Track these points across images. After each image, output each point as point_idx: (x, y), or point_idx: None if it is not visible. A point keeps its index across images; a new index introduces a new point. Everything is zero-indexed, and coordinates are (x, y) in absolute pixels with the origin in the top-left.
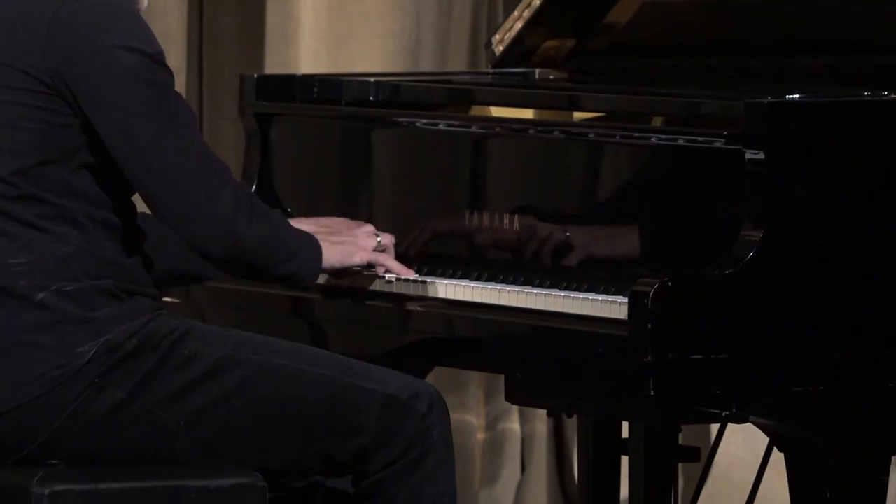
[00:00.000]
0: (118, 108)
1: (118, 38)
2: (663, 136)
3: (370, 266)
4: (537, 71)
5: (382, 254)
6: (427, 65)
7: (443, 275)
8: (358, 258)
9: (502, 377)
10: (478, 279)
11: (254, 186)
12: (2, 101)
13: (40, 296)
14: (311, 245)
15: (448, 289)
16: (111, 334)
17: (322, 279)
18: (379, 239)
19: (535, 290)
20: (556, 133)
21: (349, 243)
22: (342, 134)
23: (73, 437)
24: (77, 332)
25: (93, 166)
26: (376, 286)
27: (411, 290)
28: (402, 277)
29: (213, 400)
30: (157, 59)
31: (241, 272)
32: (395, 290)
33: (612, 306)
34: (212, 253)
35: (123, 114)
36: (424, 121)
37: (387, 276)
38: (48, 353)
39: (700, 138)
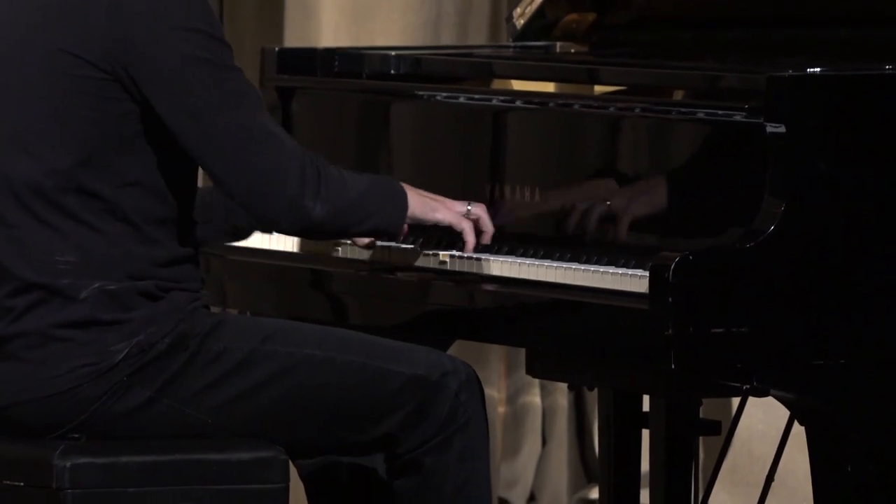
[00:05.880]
0: (182, 89)
1: (178, 19)
2: (684, 110)
3: (451, 228)
4: (558, 44)
5: (467, 220)
6: (448, 38)
7: (463, 248)
8: (441, 215)
9: (523, 351)
10: (497, 252)
11: None
12: (57, 89)
13: (83, 294)
14: (392, 199)
15: (468, 262)
16: (144, 335)
17: (364, 255)
18: (469, 207)
19: (555, 264)
20: (577, 107)
21: (438, 201)
22: (363, 107)
23: (97, 431)
24: (112, 332)
25: (151, 155)
26: (397, 259)
27: (431, 264)
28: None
29: (241, 394)
30: (217, 36)
31: (317, 238)
32: (415, 263)
33: (633, 280)
34: (281, 228)
35: (187, 95)
36: (445, 94)
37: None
38: (81, 350)
39: (721, 112)
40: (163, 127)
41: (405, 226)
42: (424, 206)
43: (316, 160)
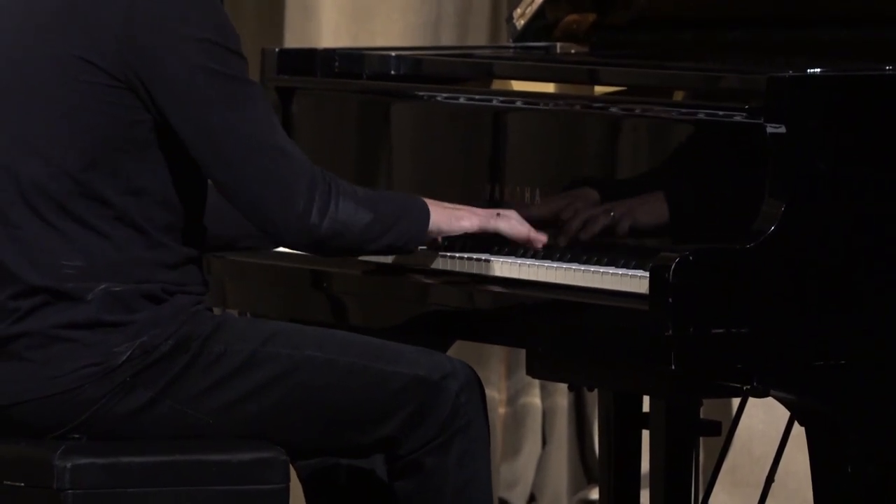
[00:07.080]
0: (193, 100)
1: (194, 29)
2: (684, 111)
3: (482, 232)
4: (558, 45)
5: (499, 219)
6: (448, 39)
7: (463, 249)
8: (468, 222)
9: (523, 351)
10: (498, 253)
11: None
12: (68, 93)
13: (89, 297)
14: (410, 216)
15: (468, 263)
16: (147, 337)
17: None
18: (498, 213)
19: (555, 265)
20: (577, 107)
21: (463, 209)
22: (363, 108)
23: (98, 431)
24: (115, 333)
25: (162, 163)
26: (398, 259)
27: (431, 264)
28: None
29: (242, 396)
30: (233, 48)
31: (327, 255)
32: (414, 265)
33: (633, 280)
34: (286, 243)
35: (198, 106)
36: (445, 95)
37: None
38: (85, 351)
39: (721, 112)
40: (174, 135)
41: (437, 238)
42: (450, 217)
43: (328, 177)
